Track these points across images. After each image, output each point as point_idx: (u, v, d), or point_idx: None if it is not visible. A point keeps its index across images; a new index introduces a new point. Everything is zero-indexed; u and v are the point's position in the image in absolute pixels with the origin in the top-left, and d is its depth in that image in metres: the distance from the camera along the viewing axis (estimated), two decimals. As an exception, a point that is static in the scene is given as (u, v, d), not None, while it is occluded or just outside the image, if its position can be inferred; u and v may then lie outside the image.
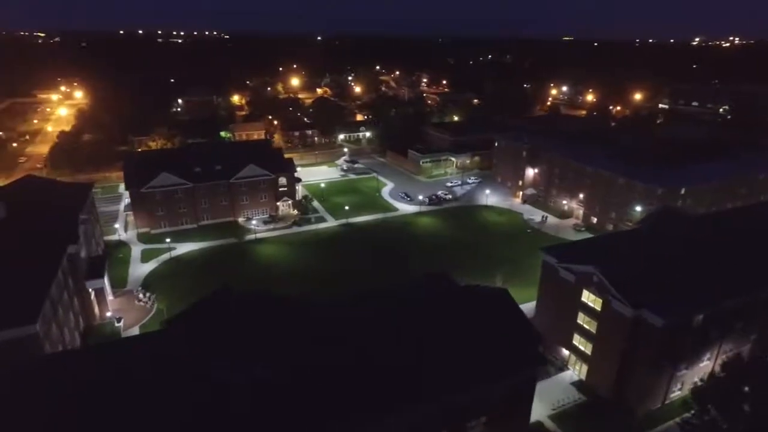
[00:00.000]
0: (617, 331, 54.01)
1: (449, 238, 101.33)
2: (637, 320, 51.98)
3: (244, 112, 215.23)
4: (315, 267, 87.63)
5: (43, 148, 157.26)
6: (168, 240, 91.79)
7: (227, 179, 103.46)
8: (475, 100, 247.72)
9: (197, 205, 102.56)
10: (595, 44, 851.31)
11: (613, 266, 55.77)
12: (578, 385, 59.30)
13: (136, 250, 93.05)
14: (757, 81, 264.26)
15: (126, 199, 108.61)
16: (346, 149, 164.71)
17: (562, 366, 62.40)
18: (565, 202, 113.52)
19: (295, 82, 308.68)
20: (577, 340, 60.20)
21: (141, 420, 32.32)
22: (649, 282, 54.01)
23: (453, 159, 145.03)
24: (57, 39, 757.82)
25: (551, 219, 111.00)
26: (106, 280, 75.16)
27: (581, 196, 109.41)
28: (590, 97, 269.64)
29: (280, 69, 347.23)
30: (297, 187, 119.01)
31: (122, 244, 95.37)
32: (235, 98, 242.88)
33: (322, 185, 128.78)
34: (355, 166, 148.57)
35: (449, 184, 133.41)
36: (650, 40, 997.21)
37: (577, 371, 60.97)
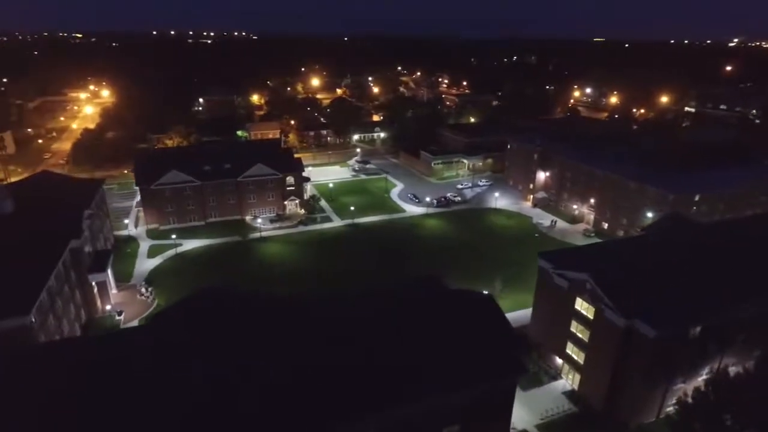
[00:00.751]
0: (609, 341, 52.37)
1: (454, 241, 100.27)
2: (629, 330, 50.30)
3: (262, 112, 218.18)
4: (316, 267, 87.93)
5: (68, 145, 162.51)
6: (174, 236, 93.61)
7: (235, 177, 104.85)
8: (495, 102, 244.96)
9: (205, 202, 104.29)
10: (626, 45, 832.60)
11: (608, 273, 54.16)
12: (570, 395, 57.73)
13: (144, 245, 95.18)
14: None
15: (138, 196, 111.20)
16: (358, 150, 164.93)
17: (556, 375, 60.89)
18: (575, 206, 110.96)
19: (315, 82, 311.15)
20: (571, 349, 58.67)
21: (95, 413, 32.85)
22: (646, 291, 52.18)
23: (465, 161, 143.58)
24: (93, 40, 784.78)
25: (561, 223, 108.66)
26: (110, 273, 77.22)
27: (592, 200, 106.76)
28: (614, 100, 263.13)
29: (303, 69, 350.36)
30: (306, 187, 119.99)
31: (131, 239, 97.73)
32: (255, 98, 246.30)
33: (330, 185, 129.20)
34: (367, 166, 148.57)
35: (459, 187, 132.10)
36: (685, 41, 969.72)
37: (570, 381, 59.40)
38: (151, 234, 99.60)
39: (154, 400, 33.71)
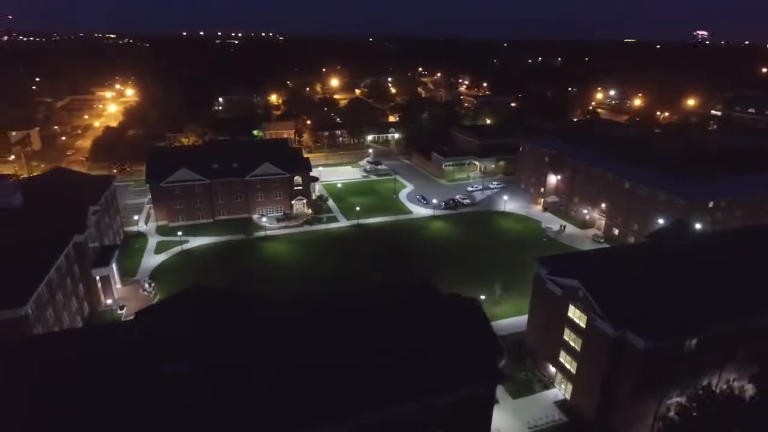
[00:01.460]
0: (600, 351, 50.88)
1: (458, 243, 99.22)
2: (619, 341, 48.74)
3: (280, 112, 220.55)
4: (317, 266, 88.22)
5: (90, 142, 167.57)
6: (180, 233, 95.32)
7: (243, 177, 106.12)
8: (513, 104, 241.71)
9: (214, 200, 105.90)
10: (658, 46, 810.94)
11: (601, 281, 52.62)
12: (562, 404, 56.29)
13: (153, 241, 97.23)
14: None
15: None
16: (371, 150, 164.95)
17: (549, 383, 59.51)
18: (586, 211, 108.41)
19: (334, 82, 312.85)
20: (564, 357, 57.25)
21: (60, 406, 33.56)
22: (640, 300, 50.48)
23: (477, 163, 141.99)
24: (127, 40, 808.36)
25: (570, 228, 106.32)
26: (114, 268, 79.17)
27: (603, 205, 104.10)
28: (638, 102, 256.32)
29: (323, 70, 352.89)
30: (315, 186, 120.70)
31: (141, 235, 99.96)
32: (273, 98, 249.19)
33: (339, 185, 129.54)
34: (378, 167, 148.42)
35: (470, 189, 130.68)
36: (721, 42, 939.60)
37: (563, 390, 57.95)
38: (161, 230, 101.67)
39: (118, 393, 34.29)
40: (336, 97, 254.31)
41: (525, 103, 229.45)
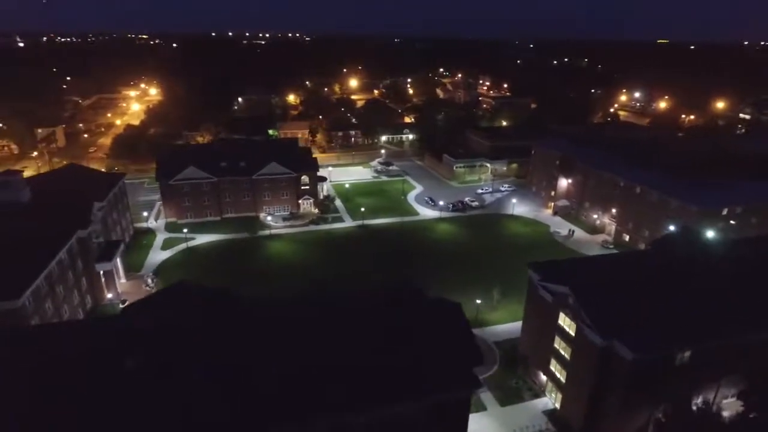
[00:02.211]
0: (589, 361, 49.37)
1: (462, 246, 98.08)
2: (607, 351, 47.17)
3: (297, 112, 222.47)
4: (317, 266, 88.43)
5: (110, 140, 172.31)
6: (185, 230, 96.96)
7: (250, 175, 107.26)
8: (533, 105, 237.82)
9: (221, 198, 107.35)
10: (692, 47, 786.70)
11: (593, 289, 51.03)
12: (551, 414, 54.89)
13: (160, 238, 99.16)
14: None
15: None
16: (383, 151, 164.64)
17: (539, 392, 58.11)
18: (596, 216, 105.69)
19: (353, 83, 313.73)
20: (554, 366, 55.81)
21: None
22: (633, 310, 48.71)
23: (488, 165, 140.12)
24: (158, 41, 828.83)
25: (580, 234, 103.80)
26: (119, 263, 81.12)
27: (614, 210, 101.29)
28: (663, 105, 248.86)
29: (344, 70, 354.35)
30: (324, 186, 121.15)
31: (150, 232, 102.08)
32: (291, 98, 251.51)
33: (347, 185, 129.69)
34: (389, 168, 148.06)
35: (479, 191, 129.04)
36: (762, 43, 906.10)
37: (553, 399, 56.50)
38: (169, 227, 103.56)
39: (74, 384, 35.00)
40: (354, 97, 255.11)
41: (544, 104, 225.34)
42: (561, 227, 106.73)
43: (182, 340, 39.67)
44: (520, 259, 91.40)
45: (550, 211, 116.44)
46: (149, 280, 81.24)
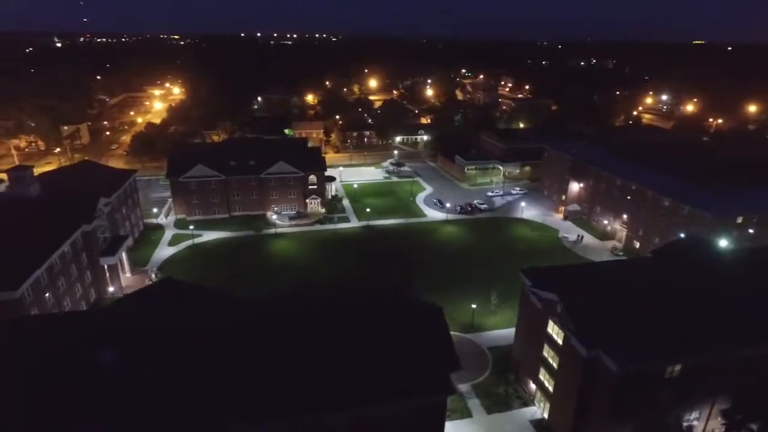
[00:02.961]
0: (575, 371, 47.85)
1: (467, 249, 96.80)
2: (593, 362, 45.63)
3: (315, 111, 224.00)
4: (318, 266, 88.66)
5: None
6: (191, 227, 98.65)
7: (258, 174, 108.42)
8: (555, 107, 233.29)
9: (230, 196, 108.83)
10: (729, 48, 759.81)
11: (583, 297, 49.51)
12: (538, 423, 53.52)
13: (169, 234, 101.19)
14: None
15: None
16: (395, 152, 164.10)
17: (528, 400, 56.75)
18: (607, 221, 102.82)
19: (373, 83, 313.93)
20: (543, 374, 54.40)
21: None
22: (624, 320, 46.99)
23: (500, 167, 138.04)
24: (188, 41, 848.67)
25: (589, 239, 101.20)
26: (124, 257, 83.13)
27: (625, 216, 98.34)
28: (690, 108, 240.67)
29: (365, 70, 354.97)
30: (331, 186, 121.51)
31: (159, 228, 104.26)
32: (310, 97, 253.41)
33: (355, 186, 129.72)
34: (401, 169, 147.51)
35: (489, 194, 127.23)
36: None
37: (541, 408, 55.09)
38: (178, 224, 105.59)
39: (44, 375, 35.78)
40: (372, 98, 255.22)
41: (565, 106, 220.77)
42: (570, 232, 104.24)
43: (147, 335, 40.18)
44: (523, 264, 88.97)
45: (560, 216, 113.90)
46: (152, 275, 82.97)
